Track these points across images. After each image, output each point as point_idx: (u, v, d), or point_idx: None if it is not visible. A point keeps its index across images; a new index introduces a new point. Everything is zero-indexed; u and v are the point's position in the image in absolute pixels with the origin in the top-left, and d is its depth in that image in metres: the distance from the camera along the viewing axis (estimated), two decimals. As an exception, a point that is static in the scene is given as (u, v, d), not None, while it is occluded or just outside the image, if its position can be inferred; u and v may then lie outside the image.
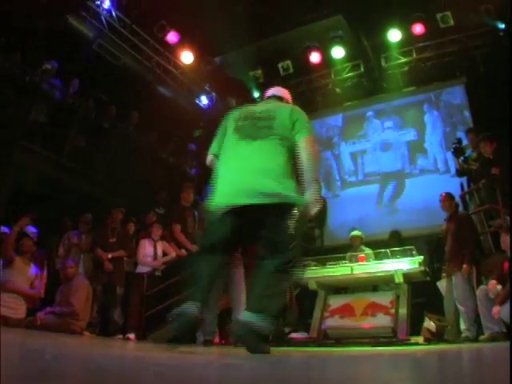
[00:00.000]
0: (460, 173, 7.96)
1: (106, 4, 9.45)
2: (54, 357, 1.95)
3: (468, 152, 7.87)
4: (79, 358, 2.15)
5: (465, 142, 8.20)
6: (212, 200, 3.33)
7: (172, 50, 10.66)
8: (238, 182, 3.25)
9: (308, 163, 3.26)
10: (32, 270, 6.77)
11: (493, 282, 5.43)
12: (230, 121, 3.52)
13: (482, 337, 5.46)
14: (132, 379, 1.39)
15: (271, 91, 3.87)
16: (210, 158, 3.61)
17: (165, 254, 7.49)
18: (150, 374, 1.54)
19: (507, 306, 5.11)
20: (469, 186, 7.79)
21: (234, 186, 3.26)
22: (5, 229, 7.14)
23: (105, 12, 9.51)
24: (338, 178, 11.36)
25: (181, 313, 3.00)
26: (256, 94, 11.41)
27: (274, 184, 3.17)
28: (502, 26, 9.34)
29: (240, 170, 3.28)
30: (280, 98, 3.72)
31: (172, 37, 10.27)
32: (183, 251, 7.20)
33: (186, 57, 10.74)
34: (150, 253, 7.43)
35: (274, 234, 3.21)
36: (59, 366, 1.57)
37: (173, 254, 7.38)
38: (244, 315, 3.02)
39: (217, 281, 3.42)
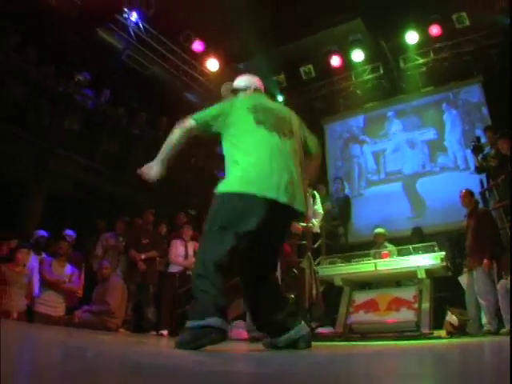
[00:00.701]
0: (479, 170, 7.93)
1: (134, 17, 9.75)
2: (94, 355, 2.06)
3: (486, 149, 7.83)
4: (117, 355, 2.24)
5: (483, 140, 8.21)
6: (239, 185, 2.87)
7: (198, 58, 10.92)
8: (280, 175, 2.84)
9: (316, 173, 3.38)
10: (67, 269, 7.04)
11: (512, 276, 5.48)
12: (241, 108, 3.12)
13: (503, 330, 5.44)
14: (167, 376, 1.45)
15: (254, 83, 3.50)
16: (192, 123, 3.13)
17: (195, 253, 7.72)
18: (184, 370, 1.64)
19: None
20: (488, 182, 7.79)
21: (273, 177, 2.81)
22: (42, 232, 7.46)
23: (132, 24, 9.82)
24: (361, 177, 11.47)
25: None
26: (279, 99, 11.51)
27: (303, 191, 3.04)
28: (517, 24, 9.30)
29: (279, 163, 2.88)
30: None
31: (197, 46, 10.55)
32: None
33: (212, 64, 11.04)
34: (182, 253, 7.63)
35: (278, 248, 3.24)
36: (100, 363, 1.69)
37: (203, 253, 7.57)
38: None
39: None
